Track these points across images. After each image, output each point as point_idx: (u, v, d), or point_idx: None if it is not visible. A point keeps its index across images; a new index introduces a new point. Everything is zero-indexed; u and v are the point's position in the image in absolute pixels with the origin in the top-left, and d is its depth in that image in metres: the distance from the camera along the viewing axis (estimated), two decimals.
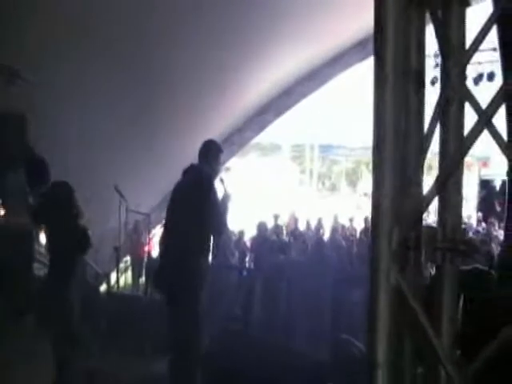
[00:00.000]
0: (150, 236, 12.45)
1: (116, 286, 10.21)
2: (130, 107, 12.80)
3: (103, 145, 11.92)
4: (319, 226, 17.08)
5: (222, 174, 5.95)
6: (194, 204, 5.16)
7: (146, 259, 12.90)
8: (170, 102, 13.24)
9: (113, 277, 12.57)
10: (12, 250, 8.62)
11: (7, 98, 10.69)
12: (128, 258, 13.87)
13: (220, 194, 5.42)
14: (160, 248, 5.80)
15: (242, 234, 13.71)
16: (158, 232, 13.89)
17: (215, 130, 15.04)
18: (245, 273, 8.31)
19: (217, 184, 5.43)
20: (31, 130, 11.21)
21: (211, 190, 5.23)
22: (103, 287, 11.43)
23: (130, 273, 14.05)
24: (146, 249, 12.87)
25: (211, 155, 5.45)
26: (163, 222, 13.15)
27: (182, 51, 12.32)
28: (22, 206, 8.26)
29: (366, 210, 31.48)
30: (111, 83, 12.38)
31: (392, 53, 1.22)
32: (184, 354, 5.23)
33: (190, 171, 5.46)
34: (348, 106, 34.71)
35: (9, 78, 11.11)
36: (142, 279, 13.15)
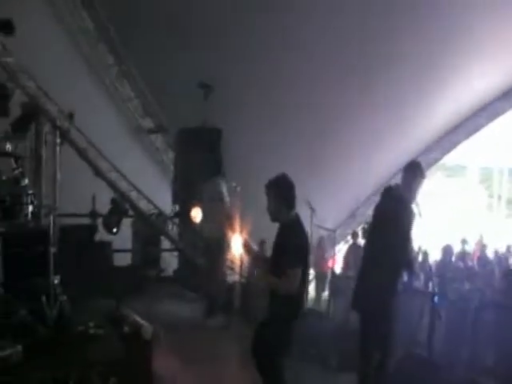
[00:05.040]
0: (335, 252, 12.54)
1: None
2: (317, 126, 13.10)
3: (292, 159, 12.30)
4: (508, 253, 16.12)
5: None
6: (395, 229, 5.21)
7: (329, 274, 13.00)
8: (359, 122, 13.33)
9: None
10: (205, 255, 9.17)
11: (205, 112, 11.48)
12: (311, 272, 14.05)
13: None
14: (360, 267, 5.81)
15: (426, 255, 13.33)
16: (342, 248, 13.99)
17: (401, 150, 14.87)
18: (436, 299, 8.05)
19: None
20: (225, 142, 11.94)
21: (411, 217, 5.29)
22: None
23: (311, 286, 14.20)
24: (330, 264, 12.99)
25: (413, 178, 5.44)
26: (347, 238, 13.24)
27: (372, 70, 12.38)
28: (218, 212, 8.73)
29: None
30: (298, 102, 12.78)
31: None
32: (375, 372, 5.27)
33: (390, 193, 5.52)
34: None
35: (205, 93, 11.88)
36: (325, 294, 13.26)
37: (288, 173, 4.84)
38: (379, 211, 5.56)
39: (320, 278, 13.88)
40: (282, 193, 4.67)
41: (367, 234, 5.81)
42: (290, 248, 4.56)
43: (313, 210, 8.63)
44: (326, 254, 13.71)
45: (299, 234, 4.69)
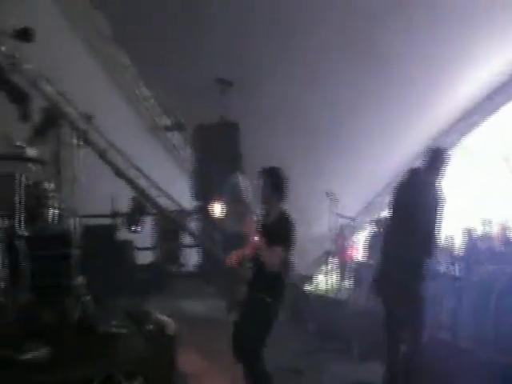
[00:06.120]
0: (355, 240, 12.54)
1: (325, 288, 10.44)
2: (336, 118, 13.08)
3: (312, 152, 12.35)
4: None
5: None
6: (421, 213, 5.13)
7: (350, 263, 13.00)
8: (376, 109, 13.26)
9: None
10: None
11: (223, 107, 11.54)
12: (332, 261, 14.05)
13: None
14: (381, 254, 5.71)
15: (449, 239, 13.24)
16: (362, 236, 13.93)
17: (421, 135, 14.77)
18: (457, 283, 8.03)
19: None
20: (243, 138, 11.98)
21: (440, 201, 5.16)
22: (308, 289, 11.74)
23: (331, 275, 14.21)
24: (351, 253, 13.00)
25: (439, 163, 5.34)
26: (369, 226, 13.12)
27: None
28: (238, 204, 8.78)
29: None
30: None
31: None
32: (405, 363, 5.28)
33: (415, 176, 5.43)
34: None
35: (222, 89, 11.95)
36: (346, 283, 13.28)
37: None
38: (403, 194, 5.43)
39: (341, 267, 13.88)
40: (274, 183, 4.74)
41: (390, 219, 5.64)
42: (289, 236, 4.68)
43: (334, 199, 8.64)
44: (346, 243, 13.70)
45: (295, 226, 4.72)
